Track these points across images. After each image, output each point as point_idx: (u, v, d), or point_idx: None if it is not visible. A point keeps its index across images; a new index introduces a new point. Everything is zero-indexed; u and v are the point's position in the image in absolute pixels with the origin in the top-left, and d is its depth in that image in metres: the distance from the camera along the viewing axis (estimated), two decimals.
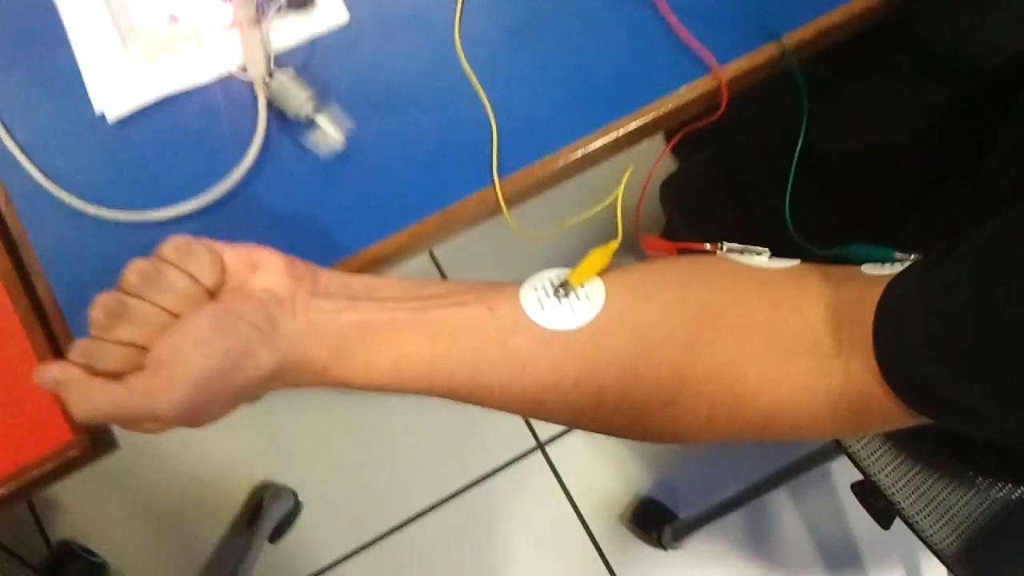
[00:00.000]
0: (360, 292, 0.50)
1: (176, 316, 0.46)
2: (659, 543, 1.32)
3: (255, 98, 0.57)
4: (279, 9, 0.59)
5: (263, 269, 0.48)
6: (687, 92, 0.58)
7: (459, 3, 0.59)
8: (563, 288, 0.48)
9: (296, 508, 1.37)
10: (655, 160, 0.59)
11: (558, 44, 0.59)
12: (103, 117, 0.58)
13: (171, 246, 0.47)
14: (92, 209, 0.56)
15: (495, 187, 0.56)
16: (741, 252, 0.51)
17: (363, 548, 1.37)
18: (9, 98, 0.59)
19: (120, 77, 0.58)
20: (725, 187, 0.89)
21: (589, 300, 0.48)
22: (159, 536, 1.37)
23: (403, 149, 0.58)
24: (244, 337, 0.45)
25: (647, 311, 0.48)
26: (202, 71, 0.58)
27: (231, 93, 0.59)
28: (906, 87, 0.72)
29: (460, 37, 0.59)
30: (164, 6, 0.59)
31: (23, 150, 0.57)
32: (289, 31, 0.59)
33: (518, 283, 0.50)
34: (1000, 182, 0.57)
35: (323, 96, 0.58)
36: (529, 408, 0.49)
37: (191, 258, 0.47)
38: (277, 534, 1.36)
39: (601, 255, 0.50)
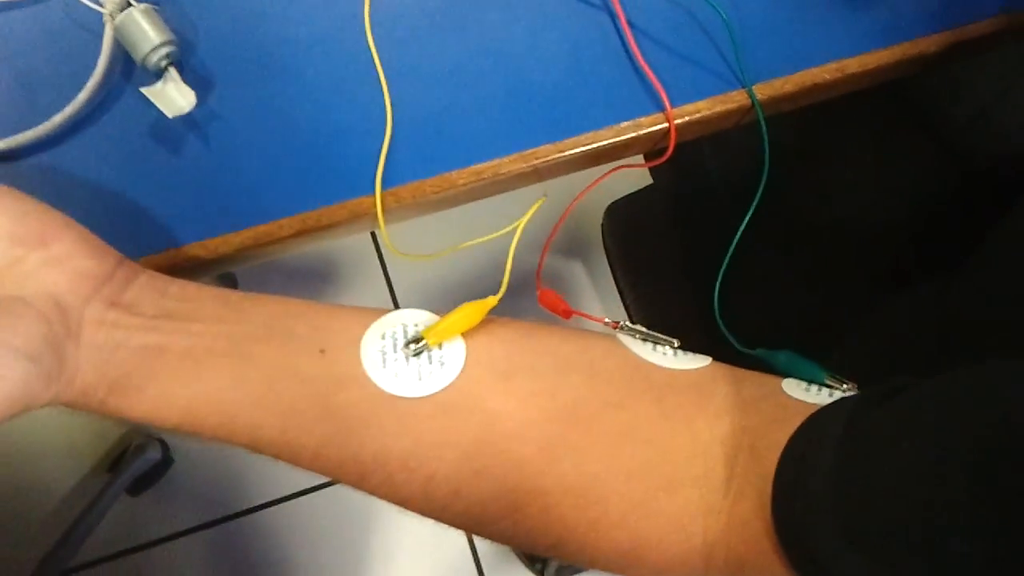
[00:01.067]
0: (172, 303, 0.40)
1: None
2: (541, 574, 1.25)
3: (102, 31, 0.46)
4: None
5: (55, 252, 0.37)
6: (630, 129, 0.48)
7: None
8: (415, 344, 0.39)
9: (165, 463, 1.26)
10: (572, 200, 0.50)
11: (487, 41, 0.49)
12: None
13: None
14: None
15: (376, 198, 0.46)
16: (644, 339, 0.42)
17: (222, 520, 1.27)
18: None
19: None
20: (673, 227, 0.80)
21: (442, 366, 0.39)
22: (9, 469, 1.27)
23: (271, 130, 0.47)
24: (18, 375, 0.33)
25: (506, 395, 0.39)
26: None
27: (75, 18, 0.47)
28: (893, 163, 0.63)
29: (371, 8, 0.49)
30: None
31: None
32: None
33: (371, 315, 0.41)
34: (977, 298, 0.48)
35: (187, 48, 0.47)
36: (349, 480, 0.40)
37: None
38: (139, 487, 1.26)
39: (471, 313, 0.40)
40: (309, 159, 0.47)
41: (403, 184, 0.47)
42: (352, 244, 1.35)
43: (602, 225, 0.88)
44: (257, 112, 0.47)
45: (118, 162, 0.46)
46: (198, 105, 0.46)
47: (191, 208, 0.46)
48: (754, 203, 0.47)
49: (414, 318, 0.41)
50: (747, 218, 0.47)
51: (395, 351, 0.39)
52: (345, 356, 0.39)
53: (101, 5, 0.46)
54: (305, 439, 0.39)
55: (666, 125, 0.48)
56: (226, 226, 0.46)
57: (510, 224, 0.46)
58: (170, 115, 0.45)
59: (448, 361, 0.39)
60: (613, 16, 0.49)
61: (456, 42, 0.49)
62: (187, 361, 0.38)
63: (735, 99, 0.49)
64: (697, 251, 0.72)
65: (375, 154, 0.47)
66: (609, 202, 0.90)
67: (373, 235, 1.30)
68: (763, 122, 0.48)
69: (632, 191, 0.89)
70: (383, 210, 0.46)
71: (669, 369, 0.40)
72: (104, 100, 0.46)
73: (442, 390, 0.38)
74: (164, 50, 0.45)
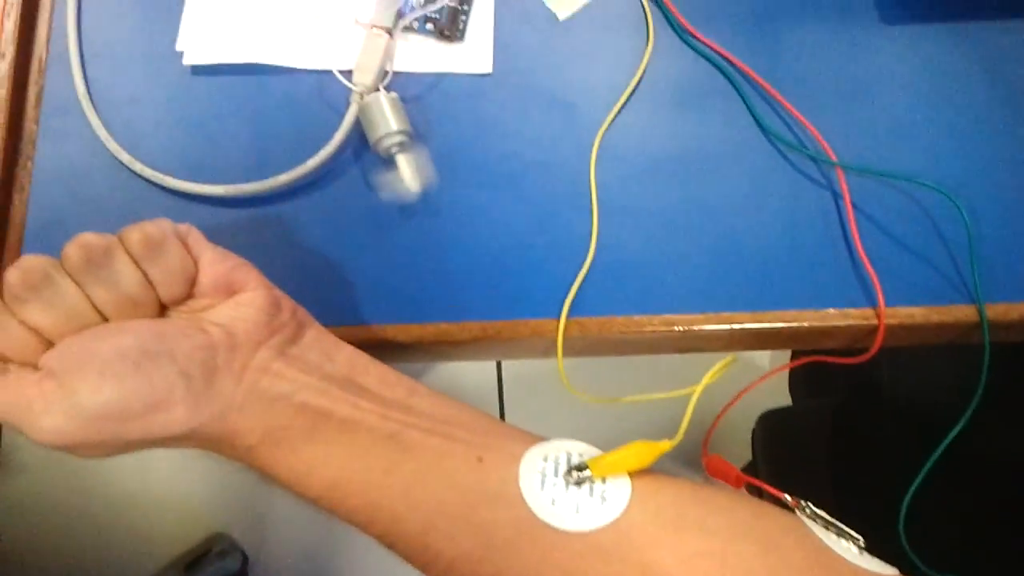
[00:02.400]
0: (339, 370, 0.40)
1: (105, 319, 0.37)
2: None
3: (346, 107, 0.50)
4: (422, 30, 0.52)
5: (239, 299, 0.39)
6: (835, 317, 0.46)
7: (617, 106, 0.51)
8: (578, 472, 0.37)
9: (242, 572, 1.26)
10: (760, 377, 0.48)
11: (705, 196, 0.49)
12: (179, 57, 0.51)
13: (139, 232, 0.37)
14: (121, 153, 0.49)
15: (560, 323, 0.46)
16: (827, 526, 0.38)
17: None
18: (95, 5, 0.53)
19: (221, 23, 0.51)
20: (835, 449, 0.75)
21: (604, 502, 0.36)
22: (89, 549, 1.29)
23: (476, 234, 0.48)
24: (164, 382, 0.35)
25: (670, 549, 0.35)
26: (309, 57, 0.50)
27: (325, 91, 0.50)
28: None
29: (600, 142, 0.50)
30: None
31: (81, 58, 0.51)
32: (420, 56, 0.51)
33: (532, 438, 0.39)
34: None
35: (419, 139, 0.49)
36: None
37: (159, 255, 0.38)
38: None
39: (642, 453, 0.38)
40: (505, 270, 0.47)
41: (590, 316, 0.47)
42: (475, 371, 1.35)
43: (753, 431, 0.84)
44: (468, 214, 0.48)
45: (327, 230, 0.48)
46: (414, 195, 0.48)
47: (381, 290, 0.47)
48: (955, 427, 0.44)
49: (572, 447, 0.39)
50: (950, 435, 0.43)
51: (555, 476, 0.37)
52: (502, 471, 0.37)
53: (353, 84, 0.49)
54: (444, 546, 0.37)
55: (875, 322, 0.46)
56: (408, 316, 0.46)
57: (674, 377, 0.44)
58: (392, 196, 0.48)
59: (610, 498, 0.37)
60: (838, 196, 0.48)
61: (674, 190, 0.49)
62: (347, 434, 0.37)
63: (956, 313, 0.46)
64: (865, 474, 0.67)
65: (569, 280, 0.47)
66: (764, 406, 0.87)
67: (499, 366, 1.29)
68: (988, 347, 0.45)
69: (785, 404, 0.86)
70: (564, 337, 0.46)
71: (856, 567, 0.37)
72: (330, 171, 0.49)
73: (599, 528, 0.36)
74: (399, 138, 0.47)
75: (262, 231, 0.48)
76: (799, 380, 0.89)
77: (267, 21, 0.51)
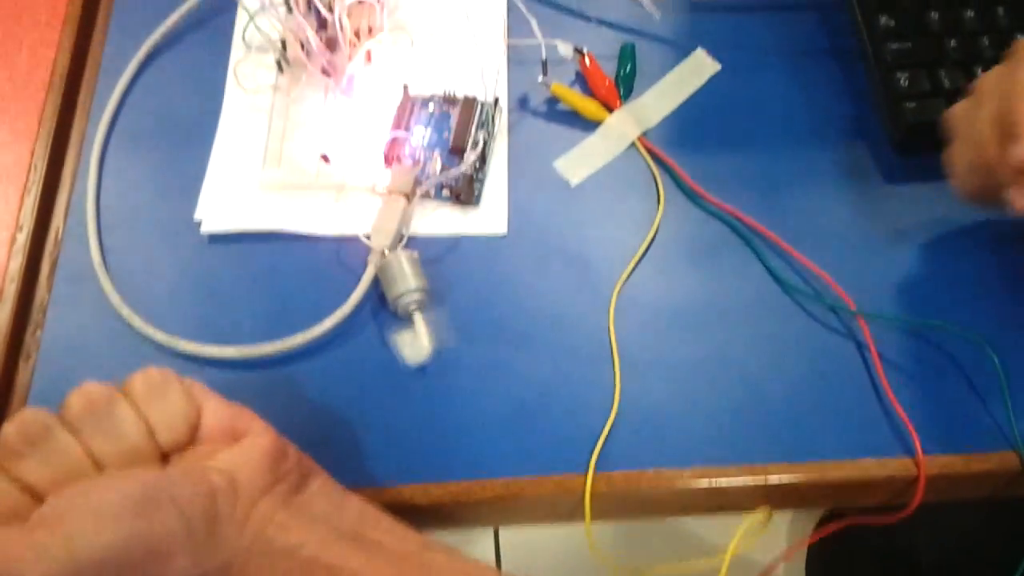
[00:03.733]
0: (348, 522, 0.38)
1: (101, 469, 0.36)
2: None
3: (364, 266, 0.50)
4: (438, 196, 0.53)
5: (242, 444, 0.38)
6: (873, 467, 0.45)
7: (632, 263, 0.52)
8: None
9: None
10: (796, 543, 0.46)
11: (727, 348, 0.49)
12: (197, 226, 0.52)
13: (143, 379, 0.37)
14: (133, 317, 0.49)
15: (587, 477, 0.45)
16: None
17: None
18: (120, 171, 0.55)
19: (238, 193, 0.53)
20: None
21: None
22: None
23: (494, 390, 0.47)
24: (165, 528, 0.33)
25: None
26: (327, 223, 0.52)
27: (342, 254, 0.51)
28: None
29: (618, 297, 0.50)
30: (320, 143, 0.54)
31: (99, 229, 0.52)
32: (437, 220, 0.53)
33: None
34: None
35: (436, 300, 0.50)
36: None
37: (162, 402, 0.37)
38: None
39: None
40: (526, 426, 0.46)
41: (618, 471, 0.45)
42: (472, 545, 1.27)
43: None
44: (488, 370, 0.48)
45: (343, 389, 0.47)
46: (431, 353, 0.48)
47: (398, 449, 0.46)
48: None
49: None
50: None
51: None
52: None
53: (372, 244, 0.50)
54: None
55: (914, 472, 0.45)
56: (427, 475, 0.45)
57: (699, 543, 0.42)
58: (407, 358, 0.47)
59: None
60: (862, 344, 0.48)
61: (695, 343, 0.49)
62: None
63: (996, 460, 0.45)
64: None
65: (594, 436, 0.46)
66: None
67: (496, 537, 1.21)
68: None
69: None
70: (591, 492, 0.44)
71: None
72: (346, 330, 0.49)
73: None
74: (417, 295, 0.48)
75: (276, 392, 0.47)
76: (820, 559, 0.85)
77: (287, 189, 0.53)
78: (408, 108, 0.55)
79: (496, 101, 0.56)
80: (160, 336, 0.48)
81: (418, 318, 0.48)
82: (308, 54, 0.55)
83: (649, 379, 0.48)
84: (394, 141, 0.53)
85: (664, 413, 0.47)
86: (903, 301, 0.50)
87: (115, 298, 0.49)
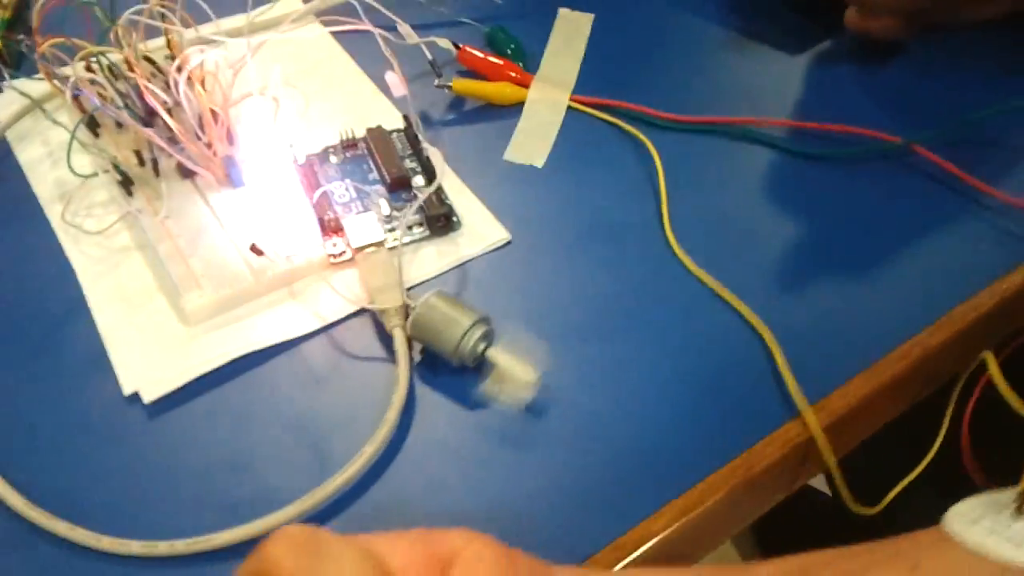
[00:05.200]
0: None
1: None
2: None
3: (383, 343, 0.38)
4: (411, 237, 0.42)
5: (465, 562, 0.26)
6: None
7: (664, 201, 0.44)
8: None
9: None
10: None
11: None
12: (136, 399, 0.37)
13: (285, 546, 0.24)
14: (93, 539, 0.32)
15: (804, 416, 0.35)
16: None
17: None
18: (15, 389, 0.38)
19: (162, 343, 0.39)
20: None
21: None
22: None
23: (619, 389, 0.37)
24: None
25: None
26: (294, 322, 0.39)
27: (342, 340, 0.39)
28: None
29: (675, 236, 0.43)
30: (235, 242, 0.41)
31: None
32: (427, 261, 0.42)
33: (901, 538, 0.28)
34: None
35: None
36: None
37: (326, 566, 0.24)
38: None
39: None
40: (680, 405, 0.36)
41: (824, 398, 0.36)
42: None
43: None
44: (595, 377, 0.37)
45: (459, 484, 0.34)
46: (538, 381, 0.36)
47: (575, 505, 0.33)
48: None
49: (977, 501, 0.28)
50: None
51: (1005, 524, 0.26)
52: (949, 559, 0.27)
53: (381, 310, 0.38)
54: None
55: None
56: (636, 513, 0.33)
57: None
58: (515, 402, 0.36)
59: None
60: None
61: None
62: None
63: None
64: None
65: (767, 379, 0.37)
66: None
67: None
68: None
69: None
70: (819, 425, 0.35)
71: None
72: (408, 423, 0.36)
73: None
74: (480, 329, 0.36)
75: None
76: None
77: (226, 307, 0.39)
78: (311, 170, 0.44)
79: (406, 118, 0.47)
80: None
81: (496, 353, 0.36)
82: (156, 161, 0.43)
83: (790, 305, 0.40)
84: (322, 201, 0.42)
85: (814, 328, 0.39)
86: None
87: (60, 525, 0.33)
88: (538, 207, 0.45)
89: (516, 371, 0.36)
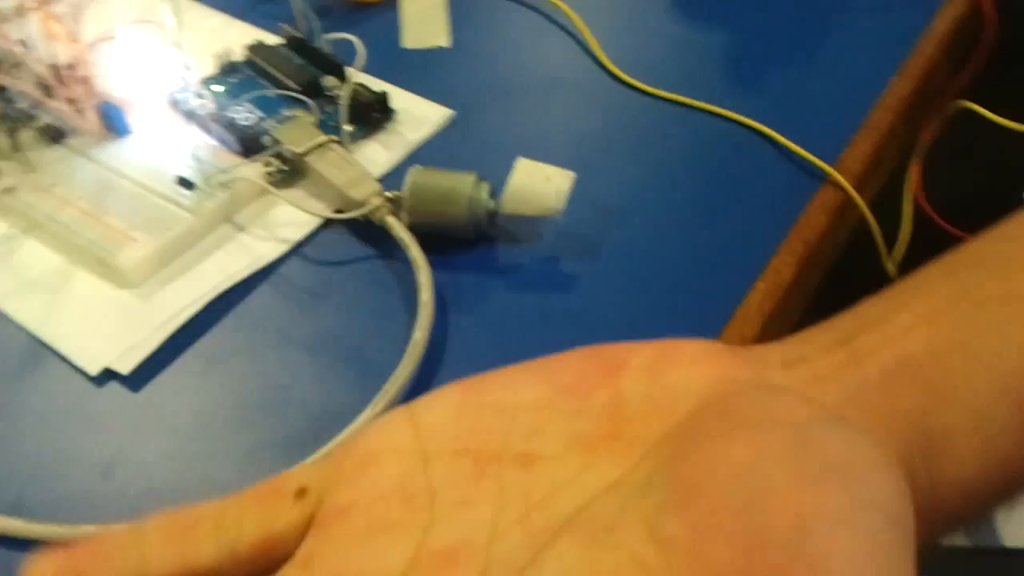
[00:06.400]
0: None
1: None
2: None
3: (369, 242, 0.34)
4: (349, 139, 0.37)
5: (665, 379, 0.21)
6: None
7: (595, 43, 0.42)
8: None
9: None
10: None
11: None
12: (109, 376, 0.30)
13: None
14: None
15: (831, 178, 0.34)
16: None
17: None
18: None
19: (110, 314, 0.32)
20: None
21: None
22: None
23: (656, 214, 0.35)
24: None
25: None
26: (258, 251, 0.33)
27: (323, 255, 0.34)
28: None
29: (623, 71, 0.41)
30: (161, 179, 0.35)
31: None
32: (377, 155, 0.37)
33: None
34: None
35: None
36: None
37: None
38: None
39: None
40: (723, 185, 0.35)
41: (844, 148, 0.36)
42: None
43: None
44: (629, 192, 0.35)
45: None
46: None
47: (685, 296, 0.30)
48: None
49: None
50: None
51: None
52: None
53: (366, 206, 0.33)
54: None
55: None
56: (739, 287, 0.31)
57: None
58: (555, 208, 0.32)
59: None
60: None
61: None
62: (948, 354, 0.22)
63: None
64: None
65: (771, 159, 0.36)
66: None
67: None
68: None
69: None
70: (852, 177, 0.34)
71: None
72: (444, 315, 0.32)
73: None
74: (484, 184, 0.32)
75: None
76: None
77: (176, 250, 0.33)
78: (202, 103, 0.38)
79: (289, 26, 0.41)
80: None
81: (522, 163, 0.32)
82: (14, 130, 0.35)
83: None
84: (229, 125, 0.36)
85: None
86: None
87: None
88: (470, 80, 0.42)
89: (549, 173, 0.32)
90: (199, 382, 0.30)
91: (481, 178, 0.33)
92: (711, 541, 0.16)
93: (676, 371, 0.20)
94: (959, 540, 1.16)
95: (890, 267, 0.35)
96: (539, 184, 0.32)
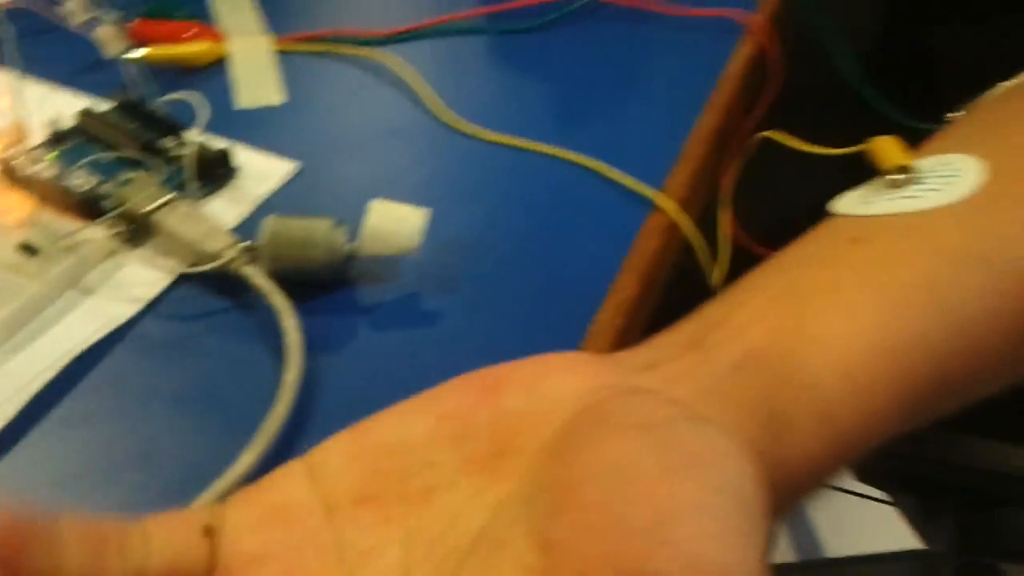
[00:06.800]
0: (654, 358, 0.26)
1: None
2: None
3: (224, 293, 0.33)
4: (192, 194, 0.36)
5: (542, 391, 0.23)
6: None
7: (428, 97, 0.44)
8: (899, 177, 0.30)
9: None
10: None
11: None
12: None
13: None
14: None
15: (658, 204, 0.37)
16: None
17: None
18: None
19: None
20: None
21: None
22: None
23: (498, 236, 0.37)
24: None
25: None
26: (109, 313, 0.33)
27: (178, 312, 0.33)
28: None
29: (459, 117, 0.43)
30: None
31: None
32: (221, 213, 0.38)
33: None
34: None
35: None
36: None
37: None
38: None
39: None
40: (559, 229, 0.37)
41: (665, 180, 0.39)
42: None
43: None
44: (475, 233, 0.36)
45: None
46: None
47: (518, 330, 0.32)
48: None
49: (860, 192, 0.32)
50: None
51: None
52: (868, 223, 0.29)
53: (221, 258, 0.33)
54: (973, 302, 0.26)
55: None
56: (583, 319, 0.33)
57: None
58: (406, 247, 0.33)
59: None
60: None
61: None
62: (788, 343, 0.25)
63: None
64: None
65: (605, 194, 0.39)
66: None
67: None
68: None
69: None
70: (675, 205, 0.37)
71: None
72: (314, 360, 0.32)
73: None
74: (341, 227, 0.33)
75: None
76: None
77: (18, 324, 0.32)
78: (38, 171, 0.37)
79: (122, 90, 0.41)
80: None
81: (376, 205, 0.33)
82: None
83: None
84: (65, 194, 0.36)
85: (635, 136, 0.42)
86: None
87: None
88: (311, 133, 0.43)
89: (404, 213, 0.34)
90: (62, 446, 0.29)
91: (338, 222, 0.34)
92: (584, 537, 0.18)
93: (550, 383, 0.22)
94: (789, 556, 1.23)
95: (715, 278, 0.39)
96: (395, 223, 0.33)
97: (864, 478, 0.75)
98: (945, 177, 0.29)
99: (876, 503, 0.98)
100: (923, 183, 0.30)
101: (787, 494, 0.23)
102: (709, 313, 0.26)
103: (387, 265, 0.35)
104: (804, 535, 1.18)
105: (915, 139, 0.33)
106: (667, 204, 0.37)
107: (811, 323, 0.24)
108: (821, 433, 0.23)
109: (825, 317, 0.25)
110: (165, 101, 0.40)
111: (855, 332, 0.24)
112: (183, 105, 0.41)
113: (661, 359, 0.24)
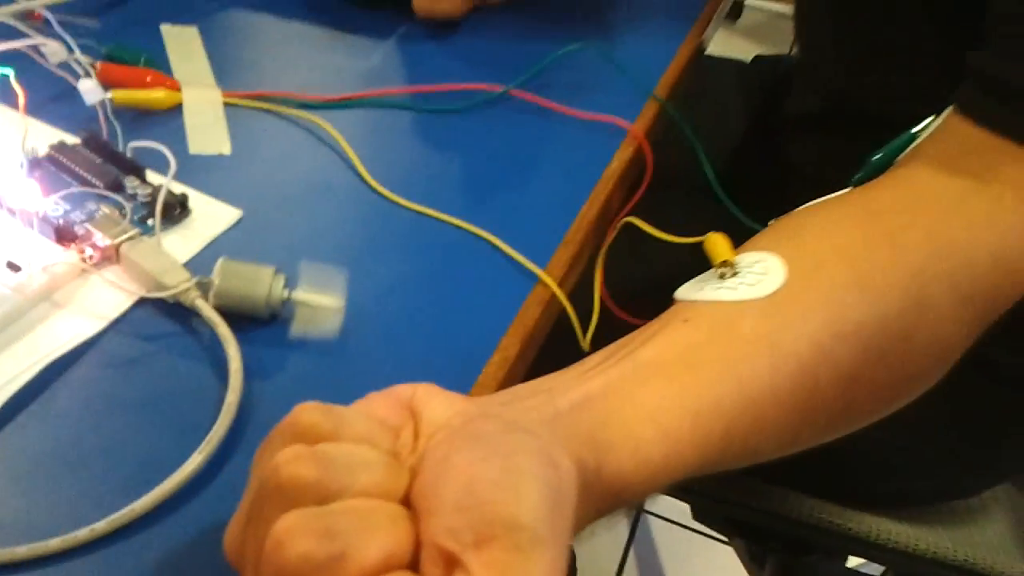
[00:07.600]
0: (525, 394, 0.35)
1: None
2: None
3: (177, 320, 0.40)
4: (147, 231, 0.44)
5: (425, 414, 0.32)
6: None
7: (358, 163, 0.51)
8: (724, 270, 0.40)
9: None
10: None
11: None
12: None
13: (315, 411, 0.29)
14: None
15: (543, 278, 0.46)
16: None
17: None
18: None
19: None
20: None
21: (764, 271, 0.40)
22: None
23: (404, 301, 0.45)
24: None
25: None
26: (78, 326, 0.40)
27: (138, 330, 0.40)
28: None
29: (379, 184, 0.51)
30: None
31: None
32: (175, 249, 0.44)
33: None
34: None
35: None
36: (802, 403, 0.37)
37: (351, 427, 0.29)
38: None
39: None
40: (457, 298, 0.45)
41: (551, 257, 0.48)
42: None
43: None
44: (382, 296, 0.45)
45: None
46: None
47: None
48: None
49: (694, 283, 0.41)
50: None
51: (720, 278, 0.40)
52: (702, 310, 0.38)
53: (175, 290, 0.40)
54: (755, 383, 0.35)
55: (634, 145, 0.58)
56: (471, 375, 0.41)
57: None
58: (327, 331, 0.41)
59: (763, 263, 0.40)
60: None
61: None
62: (615, 394, 0.34)
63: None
64: None
65: (501, 265, 0.48)
66: None
67: None
68: None
69: None
70: (555, 279, 0.46)
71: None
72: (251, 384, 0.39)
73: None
74: (280, 276, 0.41)
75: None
76: None
77: None
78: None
79: (87, 130, 0.47)
80: None
81: (300, 293, 0.41)
82: None
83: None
84: (42, 218, 0.42)
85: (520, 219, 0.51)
86: None
87: None
88: (252, 184, 0.50)
89: (323, 301, 0.41)
90: (36, 439, 0.36)
91: (278, 270, 0.41)
92: (421, 507, 0.27)
93: (433, 405, 0.31)
94: None
95: (584, 345, 0.48)
96: (320, 286, 0.42)
97: (701, 520, 0.85)
98: (757, 275, 0.39)
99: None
100: (743, 276, 0.39)
101: (607, 500, 0.32)
102: (568, 369, 0.35)
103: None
104: (654, 569, 1.29)
105: (750, 233, 0.43)
106: (549, 280, 0.46)
107: (638, 384, 0.34)
108: (635, 461, 0.32)
109: (649, 381, 0.34)
110: (136, 147, 0.47)
111: (669, 394, 0.34)
112: (150, 148, 0.47)
113: (516, 398, 0.33)
